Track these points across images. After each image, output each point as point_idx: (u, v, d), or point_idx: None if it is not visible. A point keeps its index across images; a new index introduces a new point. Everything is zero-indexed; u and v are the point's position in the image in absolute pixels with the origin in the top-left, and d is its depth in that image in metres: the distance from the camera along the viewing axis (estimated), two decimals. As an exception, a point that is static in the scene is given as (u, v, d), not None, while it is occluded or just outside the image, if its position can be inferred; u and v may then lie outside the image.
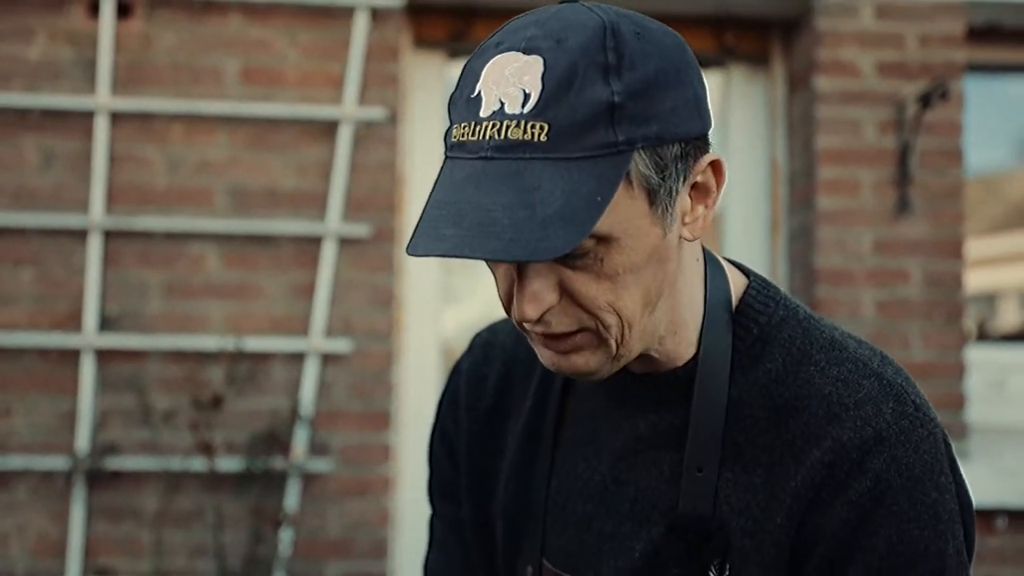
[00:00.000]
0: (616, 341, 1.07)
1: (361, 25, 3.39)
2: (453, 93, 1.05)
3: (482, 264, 1.08)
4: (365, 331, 3.36)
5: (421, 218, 1.00)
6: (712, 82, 3.84)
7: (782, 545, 1.10)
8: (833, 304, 3.38)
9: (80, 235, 3.32)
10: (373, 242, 3.37)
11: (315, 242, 3.36)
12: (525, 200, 0.94)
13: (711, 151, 1.08)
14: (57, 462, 3.24)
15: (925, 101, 3.29)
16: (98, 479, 3.26)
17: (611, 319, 1.05)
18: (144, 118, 3.37)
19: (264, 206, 3.37)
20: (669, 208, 1.03)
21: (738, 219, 3.75)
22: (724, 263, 1.23)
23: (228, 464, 3.24)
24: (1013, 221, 3.95)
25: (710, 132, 1.07)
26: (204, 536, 3.26)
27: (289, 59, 3.41)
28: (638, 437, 1.20)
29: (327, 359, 3.34)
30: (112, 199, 3.34)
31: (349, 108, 3.36)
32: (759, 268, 3.69)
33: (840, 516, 1.07)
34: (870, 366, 1.14)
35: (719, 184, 1.09)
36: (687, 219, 1.08)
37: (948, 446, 1.13)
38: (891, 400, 1.10)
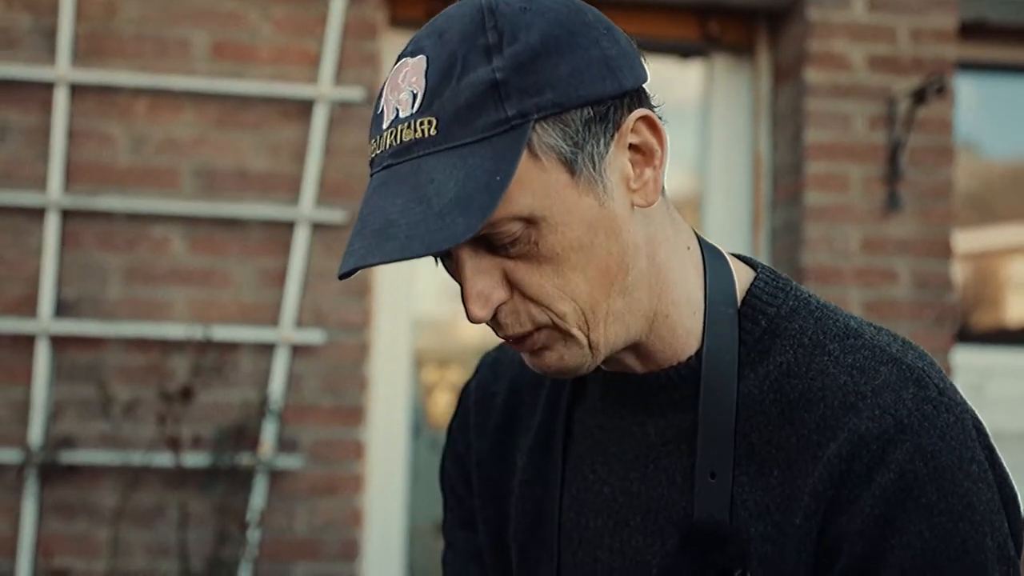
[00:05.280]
0: (582, 330, 1.02)
1: (338, 1, 3.23)
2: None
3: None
4: (338, 322, 3.21)
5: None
6: (694, 72, 3.75)
7: (804, 549, 1.01)
8: (820, 303, 3.29)
9: (36, 214, 3.13)
10: (347, 228, 3.20)
11: (287, 227, 3.20)
12: (420, 195, 0.93)
13: (643, 108, 1.02)
14: (8, 455, 3.05)
15: (920, 96, 3.22)
16: (52, 473, 3.08)
17: (565, 307, 1.00)
18: (106, 92, 3.18)
19: (233, 188, 3.20)
20: (597, 175, 0.99)
21: (718, 214, 3.66)
22: (728, 256, 1.16)
23: (193, 459, 3.08)
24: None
25: (638, 89, 1.02)
26: (166, 535, 3.09)
27: (262, 34, 3.24)
28: (649, 444, 1.13)
29: (297, 350, 3.19)
30: (71, 177, 3.16)
31: (325, 87, 3.21)
32: (741, 264, 3.61)
33: (865, 513, 0.98)
34: (888, 351, 1.05)
35: (661, 142, 1.03)
36: (633, 184, 1.03)
37: (983, 434, 1.04)
38: (911, 385, 1.01)
